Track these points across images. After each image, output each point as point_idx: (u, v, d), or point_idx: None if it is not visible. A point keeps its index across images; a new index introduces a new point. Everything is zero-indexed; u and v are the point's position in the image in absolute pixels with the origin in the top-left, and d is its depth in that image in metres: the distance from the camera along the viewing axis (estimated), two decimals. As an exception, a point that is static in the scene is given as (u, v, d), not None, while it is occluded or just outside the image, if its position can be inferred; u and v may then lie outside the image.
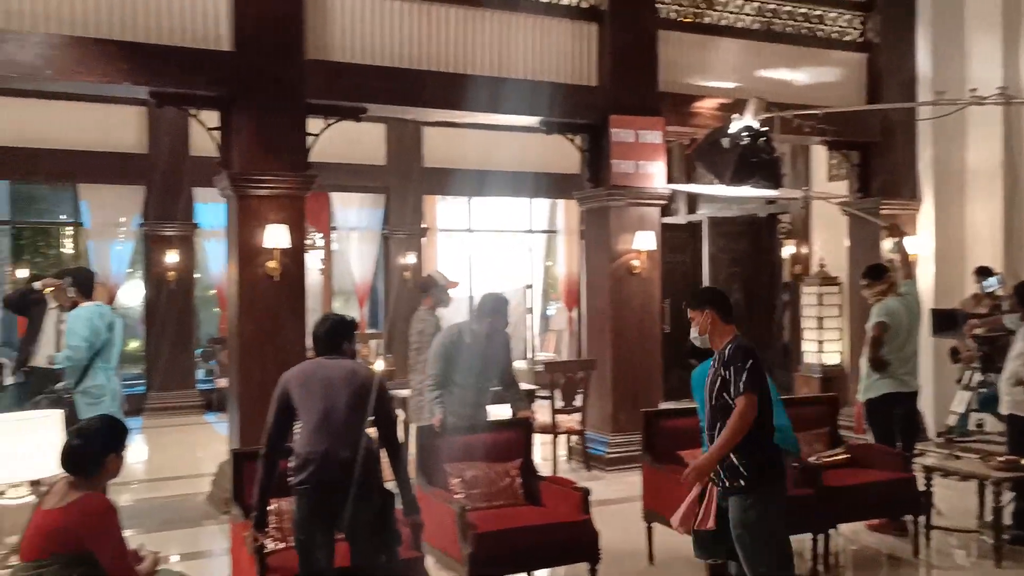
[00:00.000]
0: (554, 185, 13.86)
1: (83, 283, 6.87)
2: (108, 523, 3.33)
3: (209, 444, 10.24)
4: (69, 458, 3.41)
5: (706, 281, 11.93)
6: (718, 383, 4.03)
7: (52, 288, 7.20)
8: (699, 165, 8.48)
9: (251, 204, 7.07)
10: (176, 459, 9.43)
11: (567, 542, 4.72)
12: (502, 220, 14.68)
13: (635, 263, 8.44)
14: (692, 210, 12.79)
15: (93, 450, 3.43)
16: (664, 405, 8.38)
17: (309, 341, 7.96)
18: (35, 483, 4.20)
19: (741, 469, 3.93)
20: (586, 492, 4.84)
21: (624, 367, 8.38)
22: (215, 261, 12.68)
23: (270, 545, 4.21)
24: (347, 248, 13.22)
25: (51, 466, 4.10)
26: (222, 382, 11.86)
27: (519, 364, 13.69)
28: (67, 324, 6.76)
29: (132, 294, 13.57)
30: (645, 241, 8.42)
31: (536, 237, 14.79)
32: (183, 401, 11.74)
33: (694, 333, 4.23)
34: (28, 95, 10.51)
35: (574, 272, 14.58)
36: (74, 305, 6.80)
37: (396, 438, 4.23)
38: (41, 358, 7.21)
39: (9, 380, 7.85)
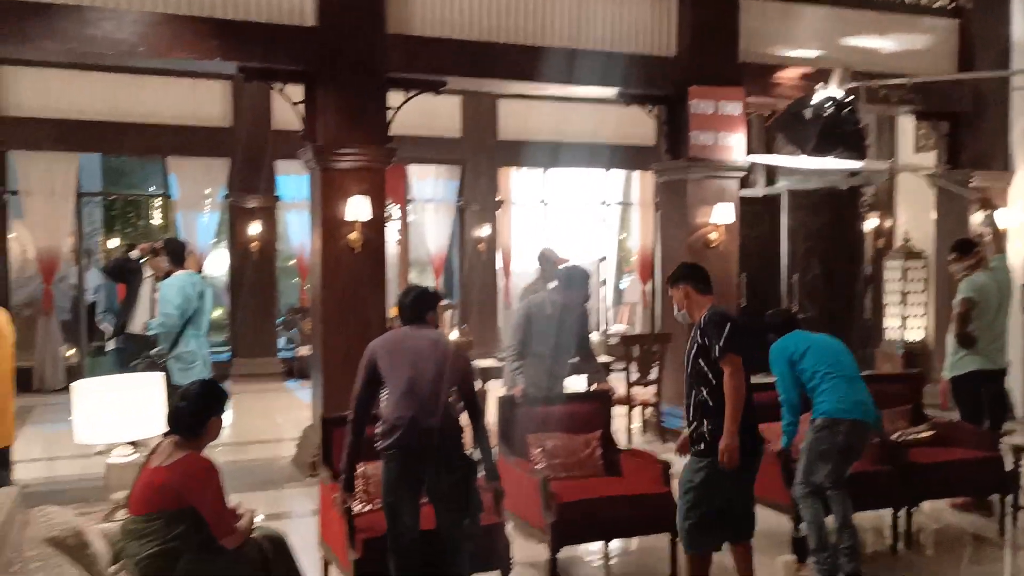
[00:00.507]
0: (629, 157, 13.78)
1: (175, 252, 7.15)
2: (210, 481, 3.51)
3: (291, 410, 10.55)
4: (175, 419, 3.60)
5: (784, 256, 11.73)
6: (694, 350, 4.24)
7: (147, 257, 7.49)
8: (780, 137, 8.33)
9: (334, 177, 7.23)
10: (260, 424, 9.74)
11: (648, 513, 4.76)
12: (576, 192, 14.64)
13: (712, 236, 8.37)
14: (770, 183, 12.56)
15: (197, 412, 3.61)
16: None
17: (390, 311, 8.20)
18: (137, 443, 4.43)
19: (706, 435, 4.15)
20: (667, 465, 4.88)
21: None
22: (295, 232, 12.98)
23: (357, 507, 4.36)
24: (423, 220, 13.37)
25: (153, 427, 4.32)
26: (302, 350, 12.21)
27: (592, 336, 13.74)
28: (160, 292, 7.05)
29: (217, 264, 14.00)
30: (723, 214, 8.34)
31: (610, 209, 14.72)
32: (265, 368, 12.10)
33: (676, 310, 4.44)
34: (119, 71, 10.91)
35: (648, 245, 14.49)
36: (168, 274, 7.09)
37: (478, 407, 4.32)
38: (137, 324, 7.54)
39: (111, 345, 8.20)
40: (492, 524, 4.34)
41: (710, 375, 4.18)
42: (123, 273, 7.96)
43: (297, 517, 6.48)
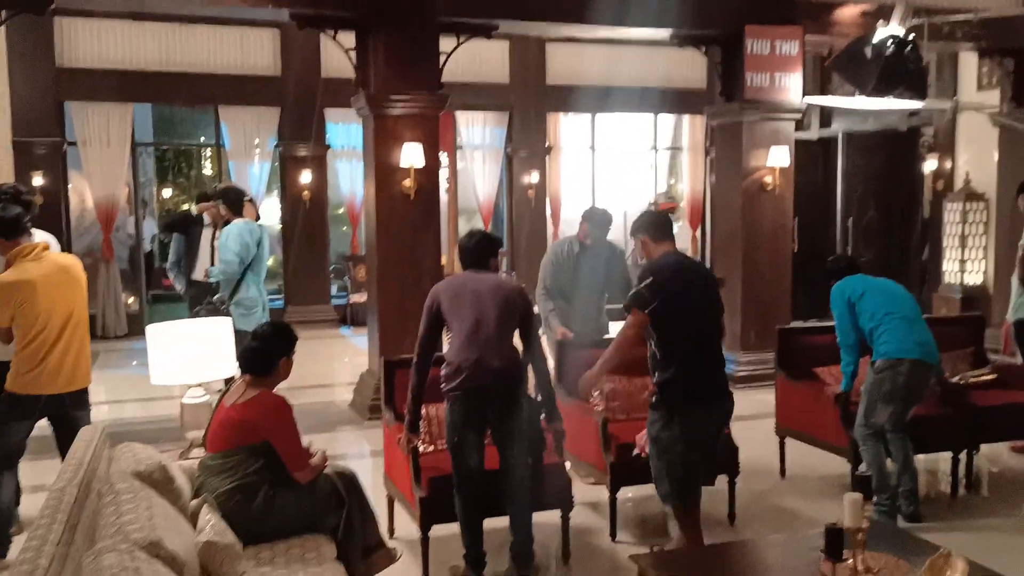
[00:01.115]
0: (679, 100, 13.59)
1: (233, 201, 7.25)
2: (284, 417, 3.62)
3: (344, 356, 10.77)
4: (248, 359, 3.70)
5: (839, 200, 11.56)
6: None
7: (206, 208, 7.63)
8: (838, 77, 8.17)
9: (387, 123, 7.25)
10: (315, 369, 9.91)
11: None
12: (625, 137, 14.49)
13: (768, 180, 8.26)
14: (825, 124, 12.31)
15: (268, 352, 3.71)
16: (792, 324, 8.27)
17: (443, 258, 8.23)
18: (204, 384, 4.57)
19: (657, 388, 3.85)
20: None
21: (754, 286, 8.30)
22: (345, 180, 13.05)
23: (422, 447, 4.46)
24: (471, 167, 13.36)
25: (223, 369, 4.45)
26: (355, 297, 12.38)
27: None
28: (220, 240, 7.17)
29: (269, 213, 14.16)
30: (779, 157, 8.22)
31: (659, 154, 14.56)
32: (319, 315, 12.30)
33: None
34: (172, 20, 10.99)
35: (698, 190, 14.34)
36: (226, 222, 7.21)
37: (539, 349, 4.37)
38: (199, 272, 7.70)
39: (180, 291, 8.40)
40: (553, 464, 4.41)
41: (651, 327, 3.83)
42: (186, 225, 8.11)
43: (356, 458, 6.64)
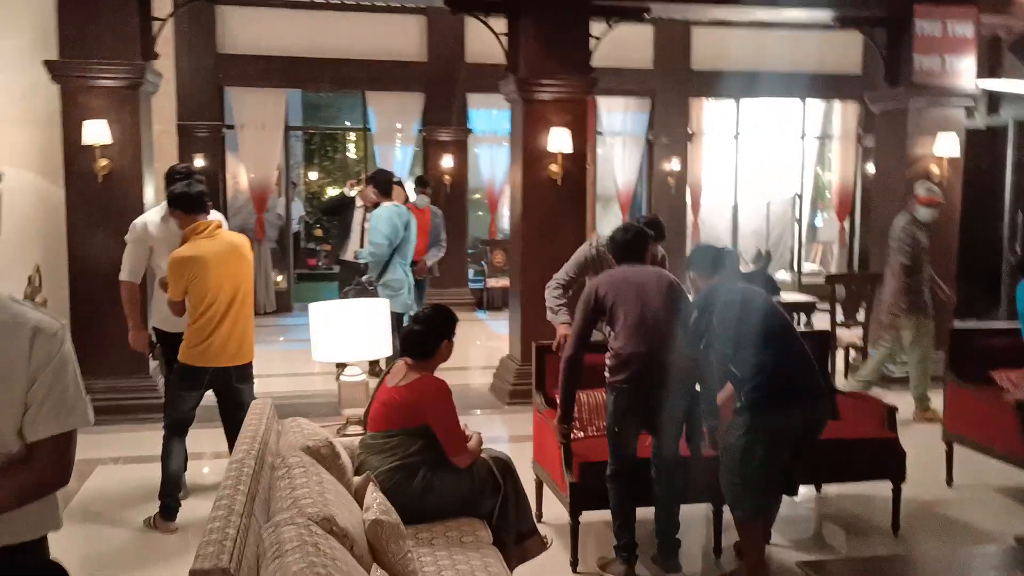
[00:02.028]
0: (830, 86, 13.02)
1: (383, 184, 7.39)
2: (444, 401, 3.64)
3: (482, 339, 10.85)
4: (410, 342, 3.73)
5: (1007, 192, 10.80)
6: None
7: (358, 190, 7.81)
8: (1019, 59, 7.59)
9: (536, 108, 7.21)
10: (454, 353, 10.04)
11: (871, 458, 4.56)
12: (772, 124, 13.98)
13: (933, 170, 7.77)
14: (993, 111, 11.51)
15: (430, 335, 3.73)
16: (959, 324, 7.79)
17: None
18: (346, 364, 4.65)
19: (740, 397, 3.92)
20: (893, 409, 4.63)
21: (915, 281, 7.84)
22: (485, 166, 13.14)
23: (572, 434, 4.40)
24: (611, 153, 13.20)
25: (381, 348, 4.52)
26: (491, 281, 12.47)
27: (782, 275, 13.25)
28: (370, 223, 7.33)
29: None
30: (947, 146, 7.72)
31: (807, 142, 13.99)
32: (457, 299, 12.43)
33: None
34: (320, 8, 11.31)
35: (848, 180, 13.72)
36: (376, 205, 7.35)
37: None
38: (349, 253, 7.91)
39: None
40: (708, 458, 4.28)
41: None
42: (340, 208, 8.36)
43: (497, 443, 6.65)
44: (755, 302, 4.07)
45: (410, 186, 10.00)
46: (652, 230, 4.81)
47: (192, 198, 4.43)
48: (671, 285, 4.13)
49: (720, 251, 4.37)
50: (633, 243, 4.25)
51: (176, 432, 4.62)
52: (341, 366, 7.20)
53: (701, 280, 4.18)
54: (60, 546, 3.83)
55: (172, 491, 4.63)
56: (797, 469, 4.03)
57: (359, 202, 7.93)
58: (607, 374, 4.08)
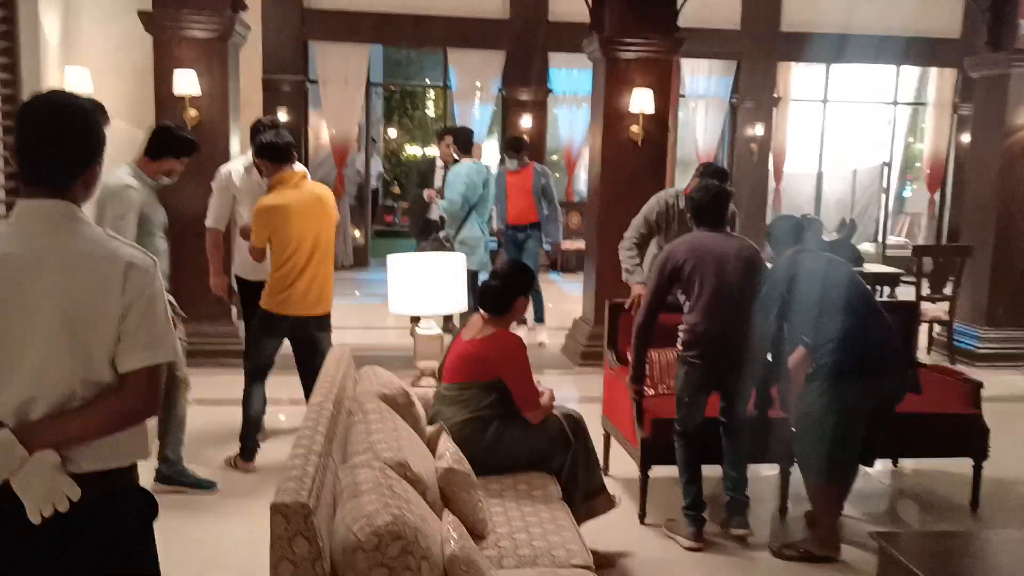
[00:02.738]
0: (925, 51, 12.52)
1: (463, 141, 7.42)
2: (519, 357, 3.66)
3: (554, 301, 10.84)
4: (487, 297, 3.75)
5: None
6: None
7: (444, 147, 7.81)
8: None
9: (619, 68, 7.11)
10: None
11: (952, 434, 4.45)
12: (862, 90, 13.53)
13: (1035, 139, 7.43)
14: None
15: (506, 291, 3.75)
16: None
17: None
18: (419, 319, 4.70)
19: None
20: (979, 385, 4.49)
21: (1008, 257, 7.55)
22: (564, 126, 13.04)
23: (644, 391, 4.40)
24: (692, 117, 12.96)
25: (456, 303, 4.57)
26: (566, 244, 12.42)
27: (866, 247, 12.90)
28: (448, 179, 7.36)
29: (488, 156, 14.44)
30: (1051, 115, 7.36)
31: (900, 110, 13.50)
32: (531, 260, 12.43)
33: None
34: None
35: (941, 150, 13.23)
36: (455, 162, 7.38)
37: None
38: (434, 213, 7.95)
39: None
40: (777, 419, 4.24)
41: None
42: (426, 172, 8.37)
43: (568, 402, 6.66)
44: (836, 270, 4.00)
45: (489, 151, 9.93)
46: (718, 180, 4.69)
47: (280, 148, 4.51)
48: (750, 260, 4.05)
49: (802, 220, 4.28)
50: (713, 205, 4.15)
51: (257, 377, 4.76)
52: (415, 320, 7.35)
53: (781, 249, 4.11)
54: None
55: (252, 433, 4.78)
56: (875, 440, 3.96)
57: (439, 162, 7.93)
58: (679, 346, 4.05)
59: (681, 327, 4.07)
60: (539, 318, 7.98)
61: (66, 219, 1.95)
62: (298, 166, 4.66)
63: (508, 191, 7.92)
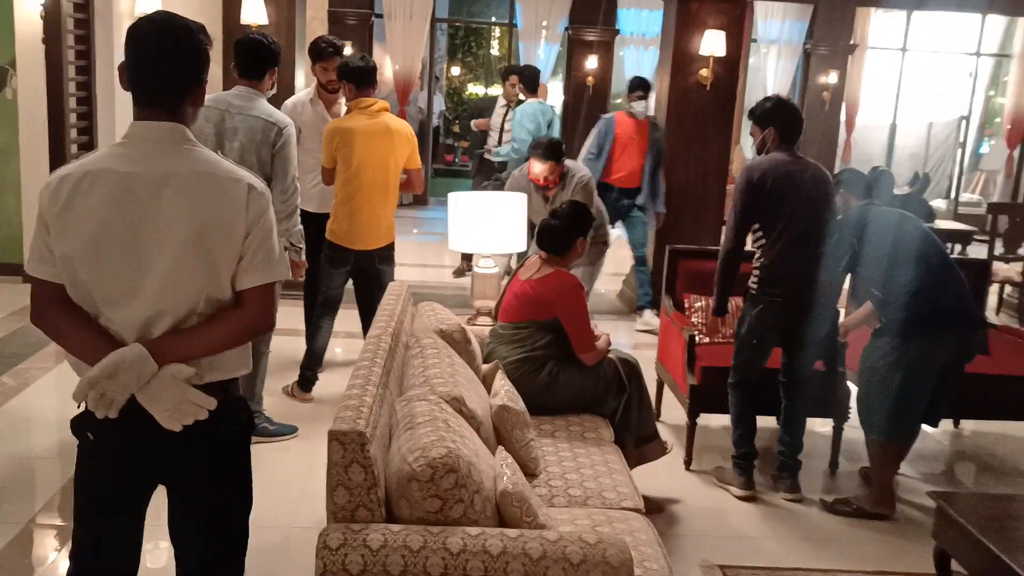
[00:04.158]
0: (1014, 0, 11.91)
1: (530, 80, 7.33)
2: (576, 298, 3.64)
3: (612, 247, 10.74)
4: (547, 237, 3.72)
5: None
6: None
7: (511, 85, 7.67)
8: None
9: (691, 8, 6.90)
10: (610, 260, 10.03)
11: (1017, 397, 4.33)
12: (944, 39, 12.97)
13: None
14: None
15: (566, 231, 3.72)
16: None
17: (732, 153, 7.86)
18: (471, 258, 4.68)
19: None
20: (1051, 347, 4.36)
21: (1089, 218, 7.26)
22: (631, 68, 12.77)
23: (698, 338, 4.36)
24: (763, 62, 12.59)
25: (515, 243, 4.54)
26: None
27: (938, 203, 12.50)
28: (513, 119, 7.29)
29: (552, 97, 14.25)
30: None
31: (982, 61, 12.94)
32: (590, 203, 12.32)
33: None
34: None
35: (1023, 105, 12.67)
36: (520, 102, 7.30)
37: None
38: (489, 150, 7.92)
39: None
40: (832, 372, 4.19)
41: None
42: (482, 110, 8.29)
43: (622, 347, 6.65)
44: (909, 225, 3.87)
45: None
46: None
47: (365, 72, 4.50)
48: (829, 195, 3.89)
49: (875, 173, 4.15)
50: (790, 120, 3.83)
51: (327, 310, 4.80)
52: (466, 259, 7.32)
53: (853, 201, 3.99)
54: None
55: (313, 365, 4.86)
56: (941, 399, 3.88)
57: (501, 101, 7.83)
58: (754, 284, 3.91)
59: (757, 264, 3.91)
60: (646, 303, 6.91)
61: (180, 140, 1.99)
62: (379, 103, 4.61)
63: (619, 143, 6.78)
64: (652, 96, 7.12)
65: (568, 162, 5.24)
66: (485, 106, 7.98)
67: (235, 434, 2.14)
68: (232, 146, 3.97)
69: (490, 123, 7.85)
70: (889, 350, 3.72)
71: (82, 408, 2.00)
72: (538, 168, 5.03)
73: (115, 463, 2.05)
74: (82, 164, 1.97)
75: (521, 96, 7.45)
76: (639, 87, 6.89)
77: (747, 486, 4.02)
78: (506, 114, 7.60)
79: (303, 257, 4.23)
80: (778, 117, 3.86)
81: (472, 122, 7.88)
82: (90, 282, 1.95)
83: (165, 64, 1.96)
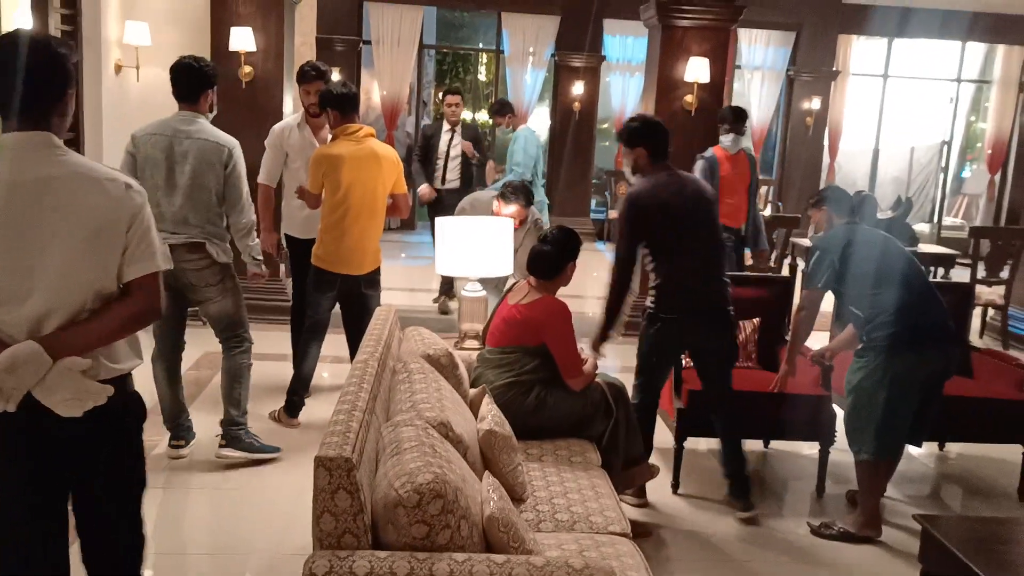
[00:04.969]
0: (992, 27, 12.14)
1: (506, 106, 7.54)
2: (564, 323, 3.65)
3: (598, 270, 10.80)
4: (539, 262, 3.74)
5: None
6: None
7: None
8: None
9: (675, 35, 6.99)
10: (574, 282, 10.05)
11: (1002, 420, 4.36)
12: (925, 65, 13.16)
13: (1105, 122, 7.16)
14: None
15: (557, 256, 3.74)
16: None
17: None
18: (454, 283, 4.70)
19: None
20: (1033, 369, 4.39)
21: (1070, 241, 7.33)
22: (616, 94, 12.89)
23: (684, 361, 4.37)
24: (747, 88, 12.73)
25: (502, 267, 4.56)
26: (614, 213, 12.33)
27: (921, 227, 12.62)
28: (515, 143, 7.47)
29: (538, 122, 14.34)
30: (1124, 96, 7.08)
31: (963, 87, 13.12)
32: (577, 228, 12.07)
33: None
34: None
35: (1004, 130, 12.85)
36: (511, 129, 7.51)
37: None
38: (437, 180, 7.90)
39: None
40: (819, 396, 4.22)
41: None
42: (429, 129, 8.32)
43: (609, 372, 6.65)
44: (892, 245, 3.94)
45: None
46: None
47: (348, 98, 4.53)
48: (710, 208, 3.92)
49: (859, 197, 4.22)
50: (661, 135, 3.89)
51: (314, 335, 4.78)
52: (445, 289, 7.32)
53: (836, 219, 4.04)
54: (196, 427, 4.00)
55: (299, 390, 4.84)
56: (924, 419, 3.90)
57: (445, 126, 7.58)
58: (651, 304, 3.93)
59: (654, 282, 3.92)
60: None
61: (51, 147, 2.13)
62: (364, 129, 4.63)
63: (724, 181, 6.31)
64: (745, 126, 6.70)
65: None
66: (432, 132, 7.87)
67: (134, 426, 2.32)
68: (183, 169, 4.02)
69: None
70: (875, 368, 3.75)
71: None
72: (512, 209, 5.24)
73: (29, 463, 2.15)
74: None
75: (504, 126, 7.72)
76: (735, 116, 6.48)
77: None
78: (451, 139, 7.54)
79: (263, 269, 4.45)
80: (645, 136, 3.90)
81: (419, 190, 7.70)
82: None
83: (27, 78, 2.09)
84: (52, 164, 2.10)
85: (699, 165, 6.36)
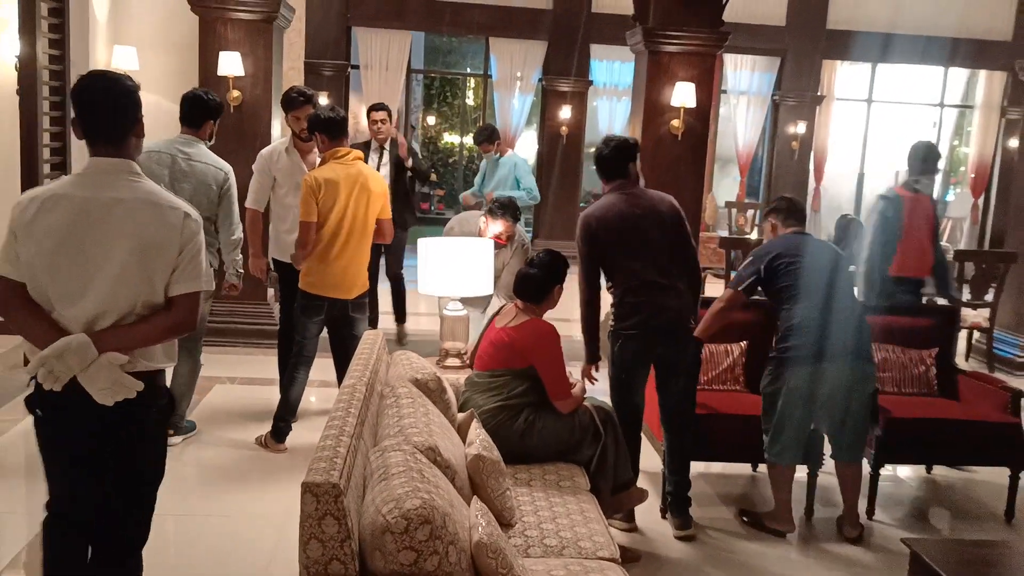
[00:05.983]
0: (974, 53, 12.30)
1: (497, 135, 7.61)
2: (553, 345, 3.65)
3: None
4: (525, 285, 3.75)
5: None
6: None
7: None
8: None
9: (662, 60, 7.04)
10: (562, 305, 10.06)
11: (989, 443, 4.36)
12: (908, 91, 13.32)
13: (1086, 146, 7.25)
14: None
15: (545, 279, 3.75)
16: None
17: (705, 201, 7.99)
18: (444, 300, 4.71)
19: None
20: (1018, 393, 4.40)
21: (1052, 265, 7.39)
22: (603, 118, 12.97)
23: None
24: (733, 113, 12.84)
25: (483, 287, 4.57)
26: (601, 236, 12.38)
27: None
28: (517, 168, 7.55)
29: (526, 147, 14.40)
30: (1104, 121, 7.16)
31: (946, 112, 13.28)
32: (564, 251, 12.27)
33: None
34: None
35: (987, 154, 12.99)
36: (499, 155, 7.61)
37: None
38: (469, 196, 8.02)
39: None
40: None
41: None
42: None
43: (598, 395, 6.65)
44: (819, 258, 4.03)
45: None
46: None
47: (336, 123, 4.56)
48: (672, 214, 3.95)
49: (844, 221, 4.30)
50: (616, 157, 3.95)
51: (302, 360, 4.74)
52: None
53: (781, 228, 4.19)
54: (176, 453, 4.01)
55: (286, 415, 4.81)
56: (848, 433, 4.02)
57: (374, 145, 6.66)
58: (612, 323, 3.96)
59: (616, 304, 3.96)
60: None
61: (127, 173, 2.49)
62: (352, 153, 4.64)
63: (906, 225, 5.24)
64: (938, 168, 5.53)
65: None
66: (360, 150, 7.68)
67: (157, 415, 2.61)
68: (183, 187, 4.42)
69: None
70: (775, 377, 4.00)
71: (31, 388, 2.47)
72: (500, 227, 5.27)
73: (71, 428, 2.49)
74: (49, 188, 2.48)
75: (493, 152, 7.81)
76: (931, 155, 5.36)
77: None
78: (380, 159, 6.68)
79: (240, 282, 4.88)
80: (596, 160, 4.06)
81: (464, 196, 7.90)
82: (47, 283, 2.42)
83: (111, 112, 2.47)
84: (124, 188, 2.46)
85: (878, 207, 5.35)
